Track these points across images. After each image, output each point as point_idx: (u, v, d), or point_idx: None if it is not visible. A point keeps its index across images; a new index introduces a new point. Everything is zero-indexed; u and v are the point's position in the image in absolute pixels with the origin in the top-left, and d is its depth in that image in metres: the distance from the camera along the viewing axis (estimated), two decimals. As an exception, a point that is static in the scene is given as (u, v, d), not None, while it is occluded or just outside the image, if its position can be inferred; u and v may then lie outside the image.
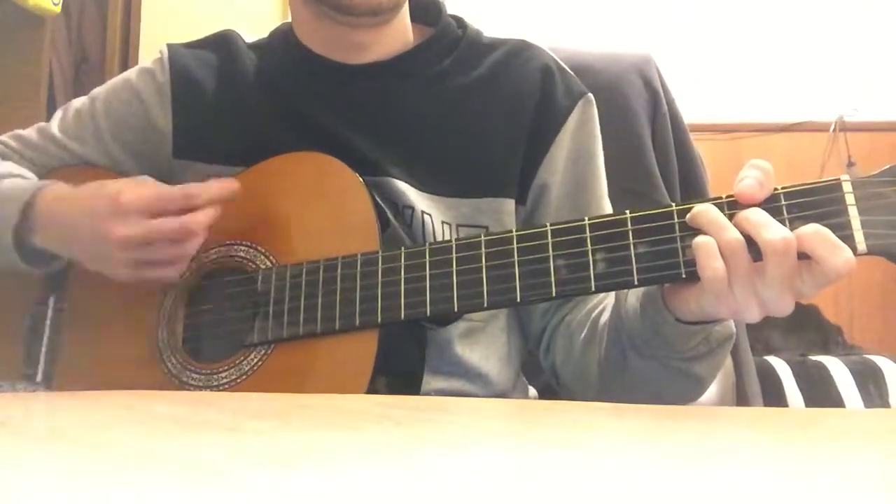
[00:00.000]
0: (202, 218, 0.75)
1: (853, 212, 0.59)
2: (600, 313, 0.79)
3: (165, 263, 0.76)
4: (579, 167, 0.86)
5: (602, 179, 0.88)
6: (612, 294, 0.77)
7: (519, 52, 0.89)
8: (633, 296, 0.71)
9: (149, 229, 0.74)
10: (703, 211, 0.61)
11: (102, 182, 0.79)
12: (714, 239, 0.60)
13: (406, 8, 0.87)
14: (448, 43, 0.89)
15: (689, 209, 0.62)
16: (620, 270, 0.64)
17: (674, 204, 0.64)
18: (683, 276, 0.62)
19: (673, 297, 0.66)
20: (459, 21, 0.92)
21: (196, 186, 0.76)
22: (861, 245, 0.58)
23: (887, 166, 0.60)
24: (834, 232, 0.58)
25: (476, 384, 0.83)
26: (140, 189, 0.76)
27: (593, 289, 0.65)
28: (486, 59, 0.88)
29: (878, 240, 0.58)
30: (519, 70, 0.87)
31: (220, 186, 0.77)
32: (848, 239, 0.58)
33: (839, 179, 0.60)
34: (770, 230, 0.58)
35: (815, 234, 0.57)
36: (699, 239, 0.60)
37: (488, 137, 0.84)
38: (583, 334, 0.80)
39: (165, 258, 0.76)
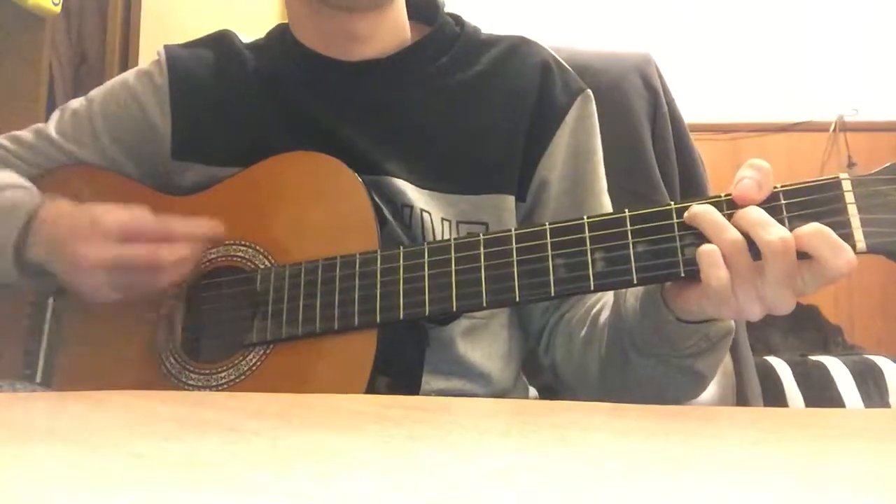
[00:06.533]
0: (167, 253, 0.74)
1: (853, 210, 0.59)
2: (599, 311, 0.79)
3: (138, 288, 0.75)
4: (579, 163, 0.86)
5: (601, 176, 0.88)
6: (611, 292, 0.77)
7: (517, 48, 0.89)
8: (633, 295, 0.71)
9: (116, 254, 0.73)
10: (702, 212, 0.61)
11: (92, 205, 0.78)
12: (714, 241, 0.60)
13: (402, 4, 0.87)
14: (446, 40, 0.89)
15: (688, 208, 0.62)
16: (619, 269, 0.64)
17: (672, 203, 0.64)
18: (682, 274, 0.62)
19: (673, 296, 0.66)
20: (457, 19, 0.92)
21: (178, 221, 0.76)
22: (861, 244, 0.58)
23: (887, 164, 0.60)
24: (833, 230, 0.58)
25: (477, 383, 0.82)
26: (118, 214, 0.75)
27: (592, 288, 0.65)
28: (485, 55, 0.88)
29: (879, 238, 0.58)
30: (518, 66, 0.87)
31: (203, 226, 0.77)
32: (847, 238, 0.58)
33: (838, 178, 0.60)
34: (769, 230, 0.58)
35: (816, 233, 0.57)
36: (704, 247, 0.60)
37: (487, 134, 0.84)
38: (582, 332, 0.80)
39: (135, 285, 0.75)
